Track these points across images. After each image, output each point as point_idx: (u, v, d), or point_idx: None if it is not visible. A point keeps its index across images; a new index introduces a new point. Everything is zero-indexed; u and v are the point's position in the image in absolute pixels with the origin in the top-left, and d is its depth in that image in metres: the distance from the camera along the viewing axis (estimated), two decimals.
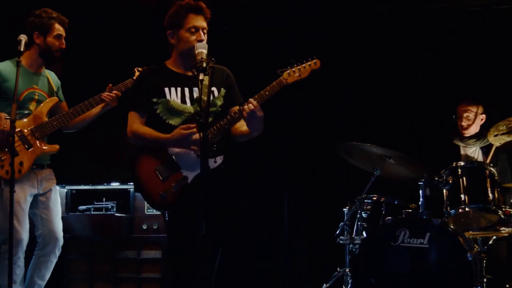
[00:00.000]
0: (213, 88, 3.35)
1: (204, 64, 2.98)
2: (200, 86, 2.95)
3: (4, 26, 4.89)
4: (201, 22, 3.31)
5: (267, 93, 3.22)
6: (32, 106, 3.94)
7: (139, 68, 4.06)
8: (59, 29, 3.97)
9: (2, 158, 3.74)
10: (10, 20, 4.53)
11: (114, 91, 4.05)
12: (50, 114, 4.02)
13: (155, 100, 3.31)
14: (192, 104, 3.32)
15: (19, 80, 3.80)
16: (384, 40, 5.57)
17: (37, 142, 3.88)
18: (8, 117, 3.64)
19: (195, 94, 3.31)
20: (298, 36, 5.53)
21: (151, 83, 3.35)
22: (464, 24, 5.47)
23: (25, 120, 3.88)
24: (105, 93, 4.04)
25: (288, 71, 3.27)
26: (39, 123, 3.90)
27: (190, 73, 3.30)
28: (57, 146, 3.99)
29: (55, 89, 4.10)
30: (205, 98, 3.12)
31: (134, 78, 4.03)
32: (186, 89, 3.33)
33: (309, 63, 3.31)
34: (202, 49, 3.05)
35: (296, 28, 5.54)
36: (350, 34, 5.60)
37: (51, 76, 4.13)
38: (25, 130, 3.86)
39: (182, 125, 3.22)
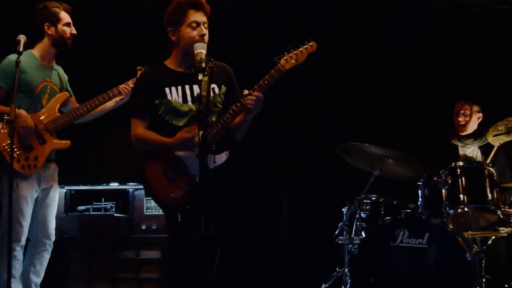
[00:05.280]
0: (213, 85, 3.28)
1: (204, 64, 2.95)
2: (200, 84, 2.91)
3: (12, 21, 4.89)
4: (202, 17, 3.27)
5: (266, 82, 3.15)
6: (44, 99, 3.90)
7: (141, 67, 3.98)
8: (66, 17, 3.96)
9: (17, 152, 3.70)
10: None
11: (131, 84, 3.95)
12: (60, 108, 3.98)
13: (156, 101, 3.25)
14: (193, 102, 3.26)
15: (35, 72, 3.84)
16: (384, 39, 5.57)
17: (50, 137, 3.86)
18: (7, 117, 3.61)
19: (196, 92, 3.25)
20: (298, 34, 5.51)
21: (151, 85, 3.29)
22: (464, 24, 5.47)
23: (38, 114, 3.84)
24: (123, 85, 3.98)
25: (285, 57, 3.19)
26: (52, 117, 3.87)
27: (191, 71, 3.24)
28: (69, 142, 3.95)
29: (64, 84, 4.07)
30: (206, 95, 3.08)
31: (138, 77, 3.93)
32: (187, 87, 3.27)
33: (305, 46, 3.21)
34: (201, 49, 3.02)
35: (295, 27, 5.53)
36: (350, 34, 5.60)
37: (60, 70, 4.10)
38: (40, 125, 3.83)
39: (186, 124, 3.19)
